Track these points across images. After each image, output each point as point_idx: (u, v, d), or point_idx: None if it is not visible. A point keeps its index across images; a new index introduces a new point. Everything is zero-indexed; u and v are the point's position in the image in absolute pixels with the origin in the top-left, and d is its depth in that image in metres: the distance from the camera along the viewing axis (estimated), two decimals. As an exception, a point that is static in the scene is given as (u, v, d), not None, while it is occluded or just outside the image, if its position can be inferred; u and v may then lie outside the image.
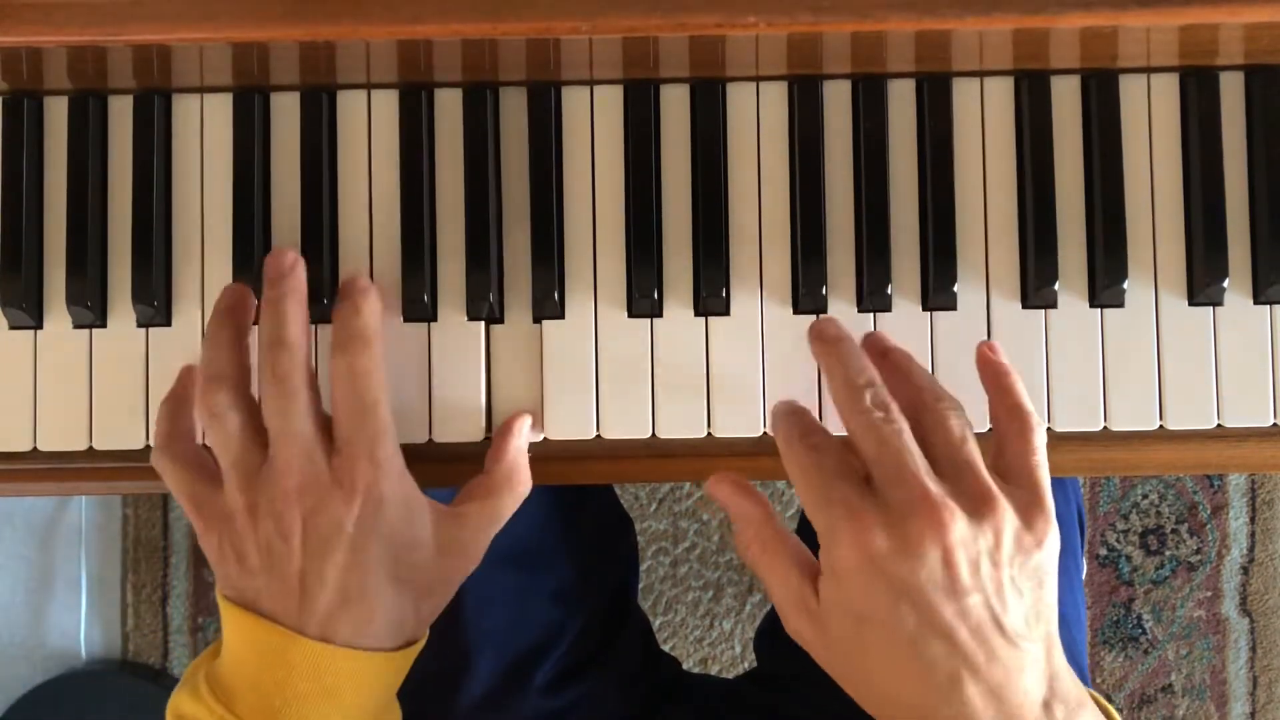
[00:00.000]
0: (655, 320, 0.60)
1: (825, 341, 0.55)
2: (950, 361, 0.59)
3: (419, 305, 0.59)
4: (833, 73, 0.60)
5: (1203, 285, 0.59)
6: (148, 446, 0.60)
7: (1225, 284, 0.59)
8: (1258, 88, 0.59)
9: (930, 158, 0.60)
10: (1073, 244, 0.60)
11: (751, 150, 0.60)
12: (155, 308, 0.59)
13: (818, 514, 0.50)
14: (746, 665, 1.41)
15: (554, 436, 0.60)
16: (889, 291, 0.59)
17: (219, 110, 0.61)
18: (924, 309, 0.60)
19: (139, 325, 0.60)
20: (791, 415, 0.54)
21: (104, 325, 0.60)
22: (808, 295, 0.59)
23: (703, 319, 0.60)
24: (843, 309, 0.60)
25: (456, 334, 0.60)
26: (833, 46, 0.57)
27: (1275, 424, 0.60)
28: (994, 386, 0.55)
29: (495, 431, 0.59)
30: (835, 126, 0.60)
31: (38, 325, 0.60)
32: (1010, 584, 0.49)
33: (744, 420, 0.59)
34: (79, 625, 1.40)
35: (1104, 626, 1.41)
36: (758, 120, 0.60)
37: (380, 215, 0.60)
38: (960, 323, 0.60)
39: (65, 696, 1.37)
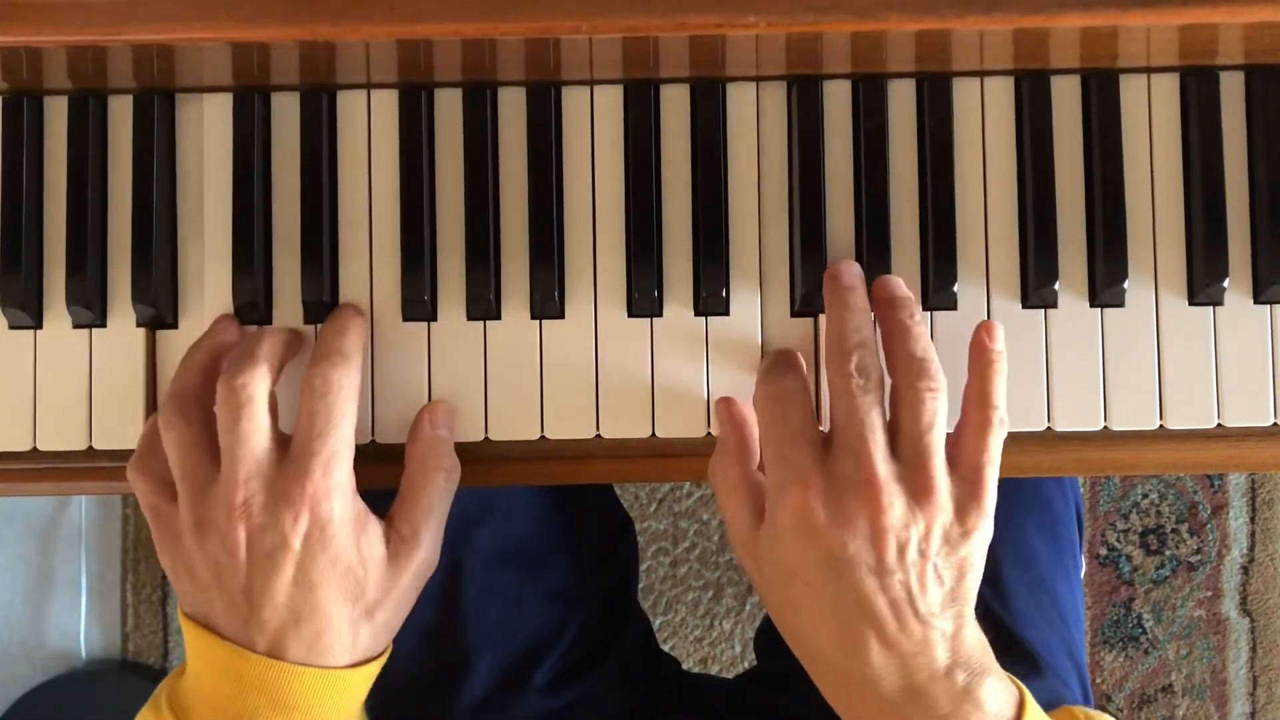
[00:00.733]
0: (655, 320, 0.60)
1: (837, 286, 0.56)
2: (950, 361, 0.59)
3: (419, 305, 0.59)
4: (833, 73, 0.60)
5: (1203, 285, 0.59)
6: (148, 446, 0.60)
7: (1225, 284, 0.59)
8: (1258, 88, 0.59)
9: (930, 157, 0.60)
10: (1073, 244, 0.60)
11: (751, 150, 0.60)
12: (155, 308, 0.59)
13: (771, 467, 0.54)
14: (746, 665, 1.41)
15: (554, 436, 0.60)
16: (889, 291, 0.59)
17: (219, 110, 0.61)
18: (924, 309, 0.60)
19: (139, 325, 0.60)
20: (775, 365, 0.56)
21: (104, 325, 0.60)
22: (807, 295, 0.59)
23: (703, 319, 0.60)
24: (843, 309, 0.60)
25: (456, 334, 0.60)
26: (833, 46, 0.57)
27: (1275, 424, 0.60)
28: (976, 370, 0.55)
29: (409, 433, 0.59)
30: (835, 126, 0.60)
31: (38, 325, 0.60)
32: (932, 572, 0.51)
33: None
34: (79, 625, 1.40)
35: (1104, 626, 1.41)
36: (758, 120, 0.60)
37: (380, 215, 0.60)
38: (960, 322, 0.60)
39: (65, 696, 1.37)
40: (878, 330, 0.56)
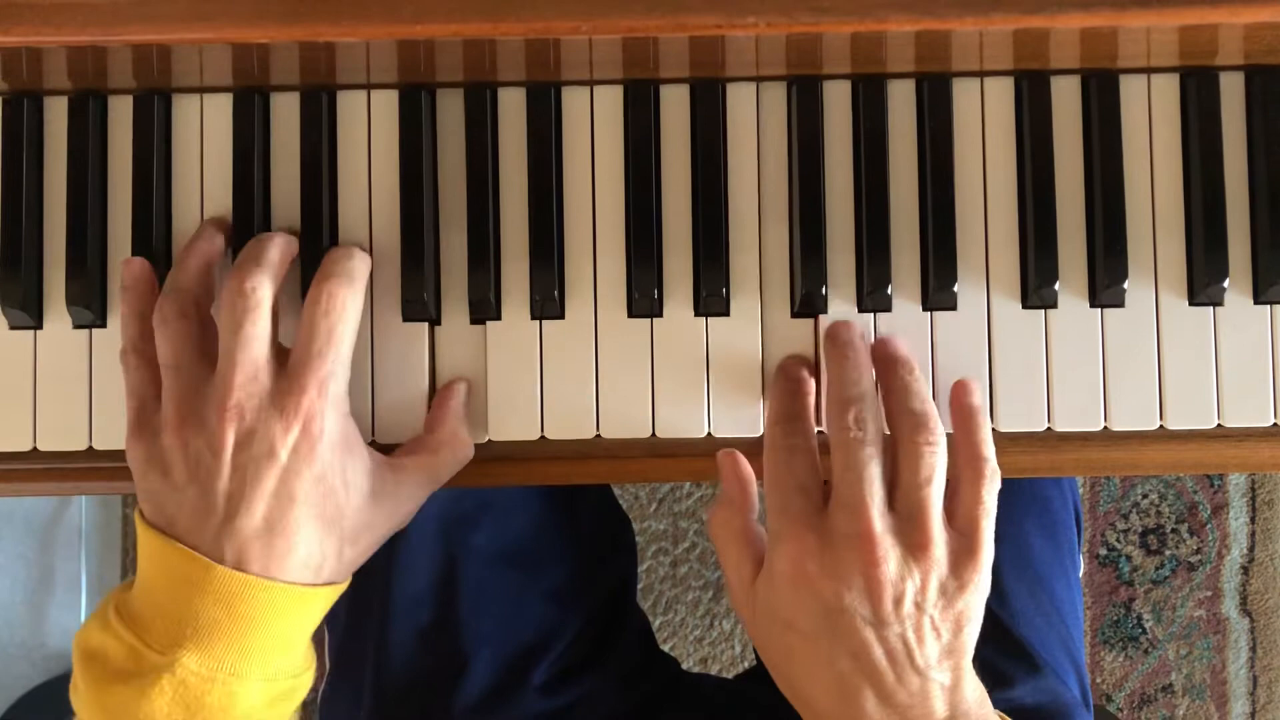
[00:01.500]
0: (655, 320, 0.60)
1: (836, 345, 0.57)
2: (950, 362, 0.59)
3: (419, 305, 0.59)
4: (833, 73, 0.60)
5: (1203, 285, 0.59)
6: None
7: (1225, 284, 0.59)
8: (1258, 88, 0.59)
9: (930, 158, 0.59)
10: (1073, 244, 0.60)
11: (751, 150, 0.60)
12: (155, 308, 0.59)
13: (772, 517, 0.55)
14: (746, 665, 1.41)
15: (553, 436, 0.60)
16: (889, 291, 0.59)
17: (219, 110, 0.61)
18: (924, 309, 0.60)
19: (139, 325, 0.60)
20: (786, 412, 0.56)
21: (104, 325, 0.60)
22: (807, 295, 0.59)
23: (703, 319, 0.60)
24: (843, 309, 0.60)
25: (456, 334, 0.60)
26: (833, 46, 0.57)
27: (1275, 424, 0.60)
28: (961, 428, 0.56)
29: (435, 398, 0.59)
30: (835, 127, 0.60)
31: (38, 325, 0.60)
32: (929, 625, 0.52)
33: (744, 420, 0.59)
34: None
35: (1104, 626, 1.41)
36: (758, 120, 0.60)
37: (380, 215, 0.60)
38: (960, 323, 0.60)
39: (65, 696, 1.37)
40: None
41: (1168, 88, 0.60)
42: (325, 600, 0.55)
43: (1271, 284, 0.59)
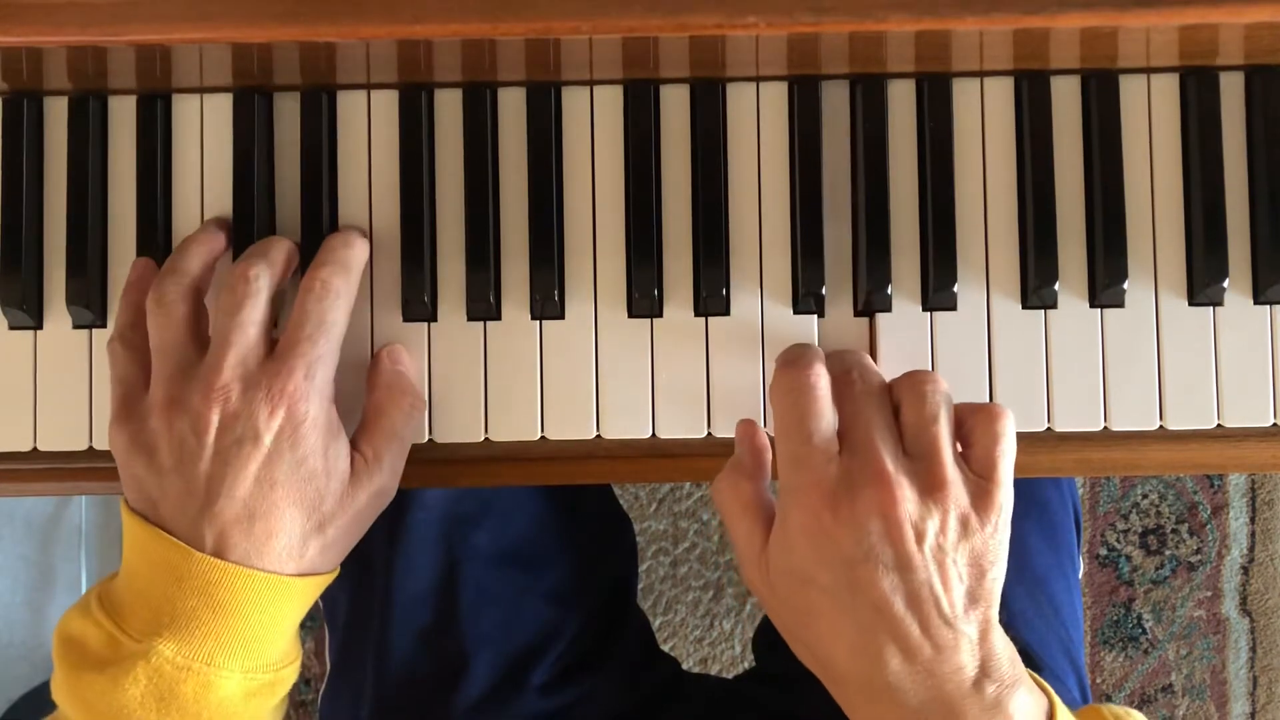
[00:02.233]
0: (655, 320, 0.60)
1: (805, 360, 0.55)
2: (950, 362, 0.59)
3: (419, 305, 0.59)
4: (832, 73, 0.60)
5: (1203, 285, 0.59)
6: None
7: (1225, 284, 0.59)
8: (1258, 88, 0.59)
9: (930, 158, 0.60)
10: (1073, 244, 0.60)
11: (751, 150, 0.60)
12: (155, 308, 0.59)
13: (785, 469, 0.52)
14: (746, 665, 1.41)
15: (554, 436, 0.60)
16: (889, 291, 0.59)
17: (219, 110, 0.61)
18: (924, 309, 0.60)
19: (139, 325, 0.60)
20: (796, 355, 0.54)
21: (104, 325, 0.60)
22: (807, 295, 0.59)
23: (703, 319, 0.60)
24: (842, 309, 0.60)
25: (456, 334, 0.60)
26: (832, 46, 0.57)
27: (1275, 424, 0.60)
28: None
29: (370, 364, 0.59)
30: (835, 127, 0.60)
31: (38, 325, 0.60)
32: (952, 567, 0.50)
33: (736, 425, 0.59)
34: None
35: (1104, 626, 1.41)
36: (758, 120, 0.60)
37: (380, 215, 0.60)
38: (960, 323, 0.60)
39: (65, 696, 1.37)
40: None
41: (1168, 88, 0.60)
42: (308, 591, 0.55)
43: (1271, 284, 0.59)
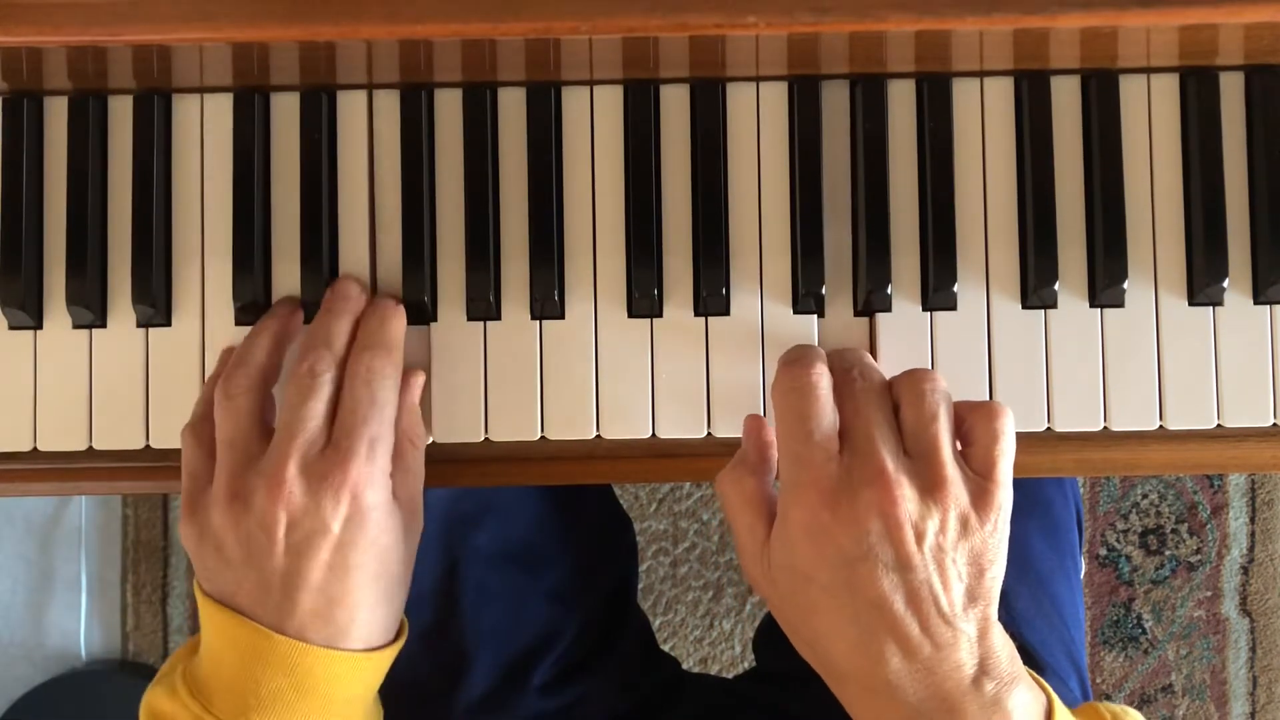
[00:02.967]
0: (655, 320, 0.60)
1: (807, 359, 0.55)
2: (950, 362, 0.59)
3: (419, 305, 0.59)
4: (832, 73, 0.60)
5: (1203, 285, 0.59)
6: (148, 446, 0.60)
7: (1225, 284, 0.59)
8: (1258, 88, 0.59)
9: (930, 158, 0.59)
10: (1073, 244, 0.60)
11: (751, 150, 0.60)
12: (155, 308, 0.59)
13: (786, 467, 0.52)
14: (746, 665, 1.41)
15: (554, 437, 0.60)
16: (889, 291, 0.59)
17: (219, 110, 0.61)
18: (924, 309, 0.60)
19: (139, 325, 0.60)
20: (799, 356, 0.54)
21: (104, 325, 0.60)
22: (807, 295, 0.59)
23: (703, 319, 0.60)
24: (842, 309, 0.60)
25: (456, 334, 0.60)
26: (832, 46, 0.57)
27: (1275, 424, 0.60)
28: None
29: None
30: (835, 127, 0.60)
31: (38, 325, 0.60)
32: (952, 566, 0.50)
33: (744, 420, 0.59)
34: (79, 625, 1.40)
35: (1104, 626, 1.41)
36: (758, 120, 0.60)
37: (380, 215, 0.60)
38: (960, 323, 0.60)
39: (65, 696, 1.37)
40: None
41: (1168, 88, 0.60)
42: (383, 663, 0.56)
43: (1271, 284, 0.59)
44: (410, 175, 0.60)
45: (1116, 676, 1.41)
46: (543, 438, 0.60)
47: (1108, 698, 1.41)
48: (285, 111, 0.61)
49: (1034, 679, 0.52)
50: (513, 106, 0.60)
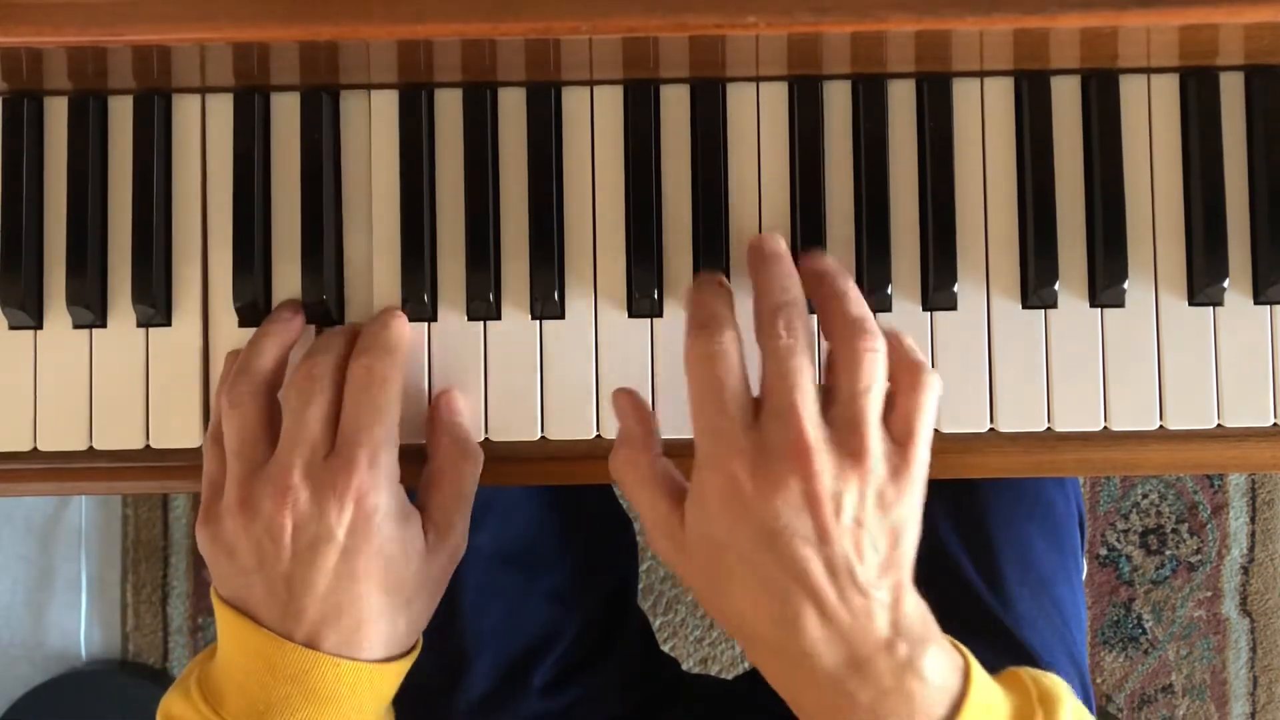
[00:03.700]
0: (655, 320, 0.60)
1: (762, 254, 0.55)
2: (950, 362, 0.59)
3: (419, 305, 0.59)
4: (833, 73, 0.60)
5: (1203, 285, 0.59)
6: (148, 446, 0.60)
7: (1225, 284, 0.59)
8: (1258, 88, 0.59)
9: (930, 158, 0.60)
10: (1073, 244, 0.60)
11: (751, 150, 0.60)
12: (155, 308, 0.59)
13: (700, 437, 0.52)
14: (746, 665, 1.41)
15: (554, 436, 0.60)
16: (889, 291, 0.59)
17: (219, 110, 0.61)
18: (924, 309, 0.60)
19: (139, 325, 0.60)
20: (705, 319, 0.53)
21: (104, 325, 0.60)
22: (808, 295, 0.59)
23: (703, 319, 0.60)
24: (843, 309, 0.60)
25: (456, 334, 0.60)
26: (832, 46, 0.57)
27: (1275, 424, 0.60)
28: (892, 338, 0.53)
29: (427, 420, 0.59)
30: (835, 126, 0.60)
31: (38, 325, 0.60)
32: (867, 536, 0.50)
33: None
34: (79, 625, 1.40)
35: (1104, 626, 1.41)
36: (758, 120, 0.60)
37: (380, 215, 0.60)
38: (960, 323, 0.60)
39: (65, 696, 1.37)
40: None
41: (1168, 88, 0.60)
42: (396, 675, 0.56)
43: (1271, 284, 0.59)
44: (410, 175, 0.60)
45: (1116, 677, 1.41)
46: (543, 438, 0.60)
47: (1108, 698, 1.41)
48: (285, 111, 0.61)
49: (951, 643, 0.52)
50: (513, 106, 0.60)
